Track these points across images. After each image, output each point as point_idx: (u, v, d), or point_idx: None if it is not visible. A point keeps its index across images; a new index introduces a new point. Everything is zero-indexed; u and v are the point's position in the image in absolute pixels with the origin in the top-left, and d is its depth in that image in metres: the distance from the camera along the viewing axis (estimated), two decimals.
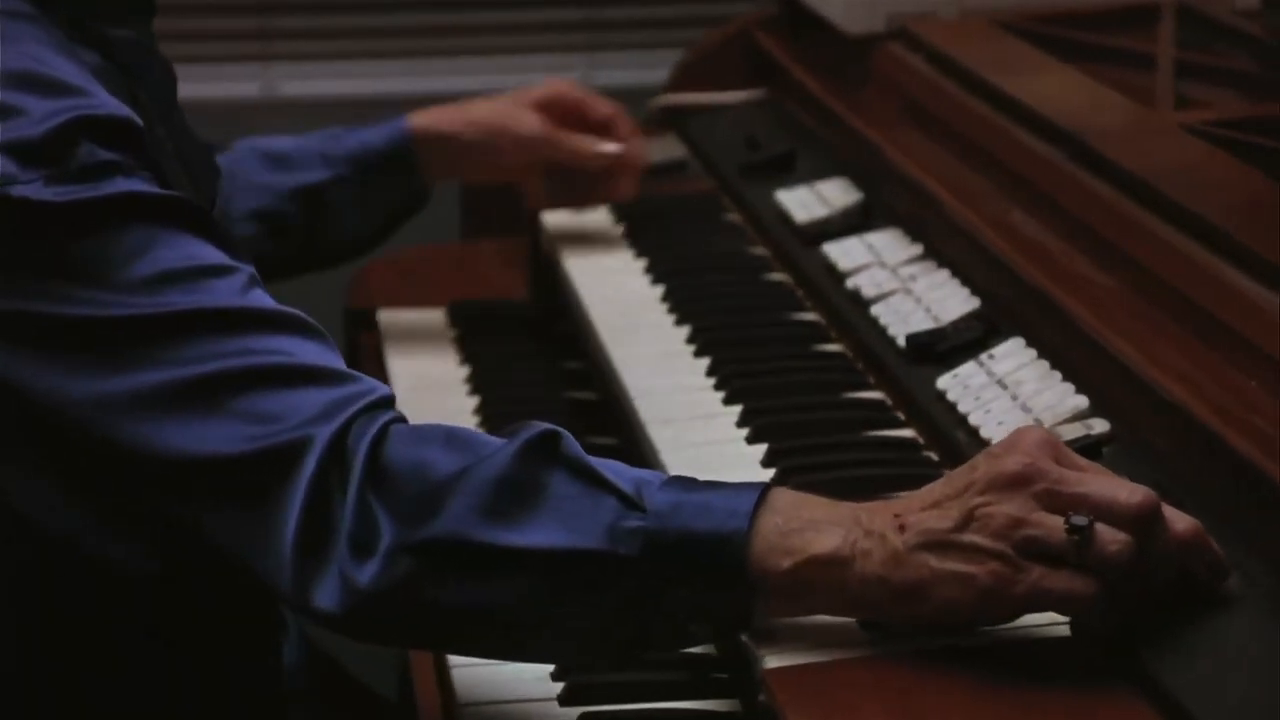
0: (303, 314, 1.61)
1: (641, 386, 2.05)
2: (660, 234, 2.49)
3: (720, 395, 2.02)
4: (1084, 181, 2.01)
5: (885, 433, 1.91)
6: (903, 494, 1.53)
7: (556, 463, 1.50)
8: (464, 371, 2.41)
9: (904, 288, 2.09)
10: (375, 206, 2.47)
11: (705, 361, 2.10)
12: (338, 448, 1.51)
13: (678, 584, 1.47)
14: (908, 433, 1.90)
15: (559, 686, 1.66)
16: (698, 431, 1.95)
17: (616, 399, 2.12)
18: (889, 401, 1.97)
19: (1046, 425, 1.71)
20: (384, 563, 1.48)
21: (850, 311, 2.12)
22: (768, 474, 1.83)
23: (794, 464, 1.83)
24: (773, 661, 1.48)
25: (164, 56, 1.85)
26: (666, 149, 2.77)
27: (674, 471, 1.62)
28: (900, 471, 1.80)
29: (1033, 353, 1.86)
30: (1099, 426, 1.70)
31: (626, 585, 1.47)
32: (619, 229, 2.56)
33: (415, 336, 2.55)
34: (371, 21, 3.52)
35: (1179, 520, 1.44)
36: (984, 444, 1.75)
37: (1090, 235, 1.97)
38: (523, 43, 3.53)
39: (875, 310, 2.08)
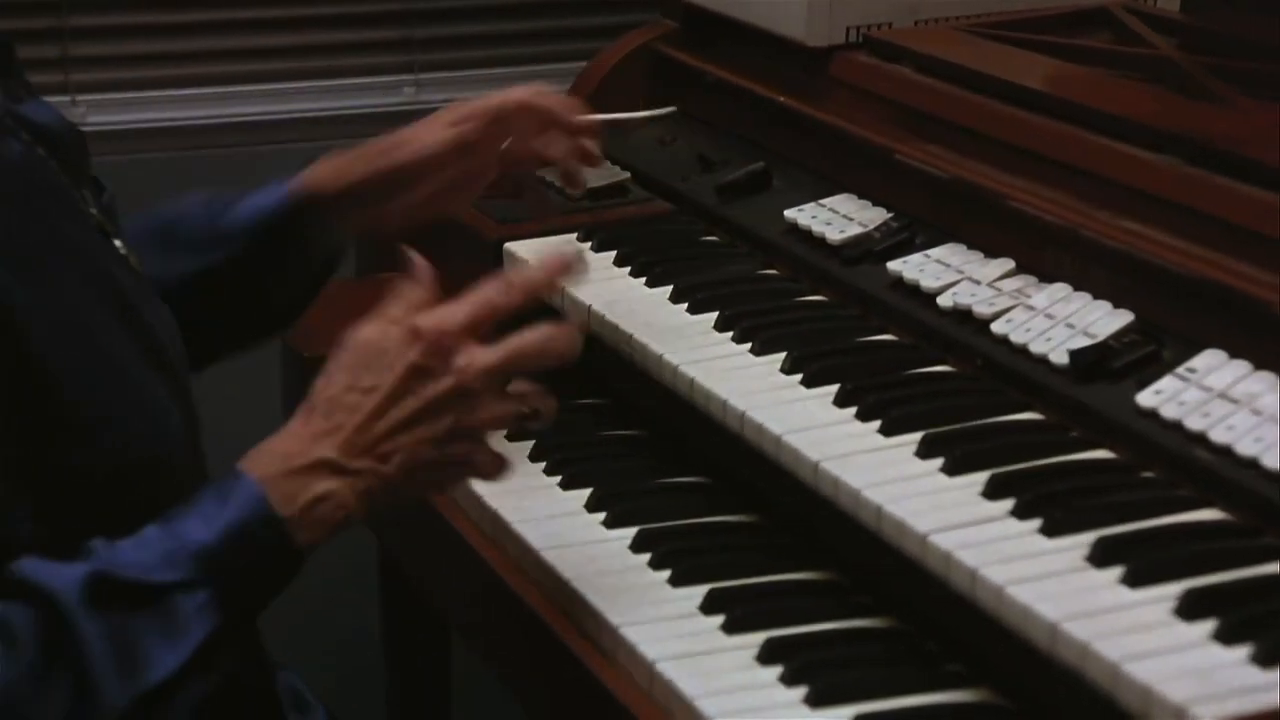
0: None
1: (783, 426, 1.89)
2: (665, 261, 2.32)
3: (875, 426, 1.88)
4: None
5: (1079, 456, 1.80)
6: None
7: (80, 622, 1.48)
8: None
9: (1020, 303, 1.98)
10: (291, 273, 2.18)
11: (828, 391, 1.96)
12: None
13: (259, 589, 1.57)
14: (1103, 453, 1.79)
15: None
16: (887, 470, 1.80)
17: (732, 439, 1.95)
18: (1054, 421, 1.86)
19: None
20: None
21: (958, 331, 2.00)
22: (996, 509, 1.70)
23: (1028, 497, 1.70)
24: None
25: None
26: (601, 171, 2.60)
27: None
28: (1130, 497, 1.70)
29: (1243, 362, 1.77)
30: None
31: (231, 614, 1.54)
32: (606, 256, 2.38)
33: None
34: (184, 46, 3.23)
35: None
36: (1240, 461, 1.66)
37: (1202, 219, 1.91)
38: (345, 65, 3.29)
39: (998, 328, 1.96)
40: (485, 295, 1.71)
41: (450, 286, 2.54)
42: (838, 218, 2.26)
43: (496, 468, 1.71)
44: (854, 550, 1.80)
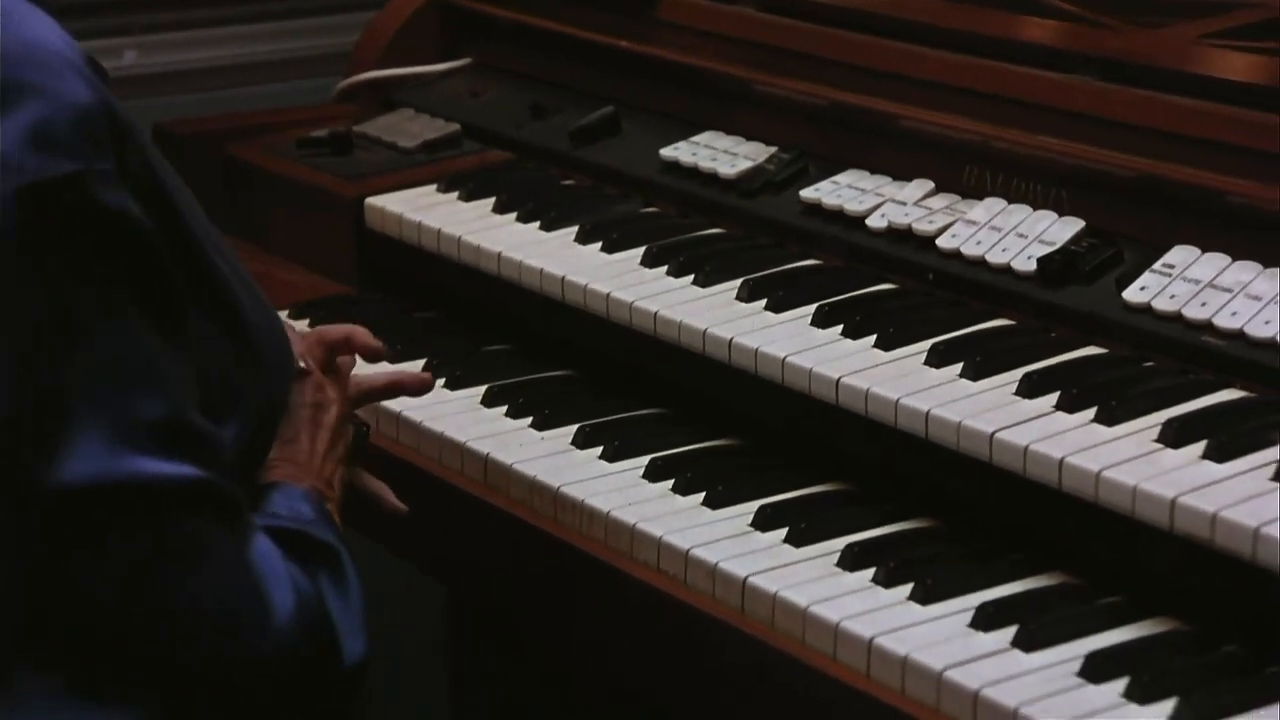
0: None
1: (786, 350, 1.91)
2: (550, 206, 2.29)
3: (871, 341, 1.91)
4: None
5: (1080, 353, 1.87)
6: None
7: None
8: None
9: (959, 219, 2.04)
10: None
11: (802, 313, 1.98)
12: None
13: None
14: (1096, 350, 1.87)
15: None
16: (911, 381, 1.84)
17: (718, 368, 1.97)
18: (1032, 326, 1.93)
19: None
20: None
21: (898, 250, 2.05)
22: (1043, 404, 1.77)
23: (1073, 392, 1.76)
24: None
25: None
26: (429, 125, 2.55)
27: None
28: (1165, 384, 1.78)
29: (1220, 255, 1.87)
30: None
31: None
32: (482, 204, 2.34)
33: None
34: None
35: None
36: (1256, 343, 1.77)
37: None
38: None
39: (945, 243, 2.02)
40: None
41: (316, 246, 2.49)
42: (720, 153, 2.28)
43: None
44: (909, 462, 1.84)
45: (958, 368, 1.84)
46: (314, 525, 1.62)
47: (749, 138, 2.30)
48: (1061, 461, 1.67)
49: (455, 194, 2.38)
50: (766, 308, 2.01)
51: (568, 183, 2.40)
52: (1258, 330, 1.78)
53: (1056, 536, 1.72)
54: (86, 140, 1.39)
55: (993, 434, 1.73)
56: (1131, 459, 1.66)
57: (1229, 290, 1.83)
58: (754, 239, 2.18)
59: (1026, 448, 1.70)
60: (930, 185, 2.11)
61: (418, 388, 1.96)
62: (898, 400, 1.80)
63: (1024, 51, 2.17)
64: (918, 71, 2.20)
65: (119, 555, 1.43)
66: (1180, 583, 1.63)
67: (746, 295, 2.04)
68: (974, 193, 2.07)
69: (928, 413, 1.78)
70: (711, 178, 2.26)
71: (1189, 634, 1.61)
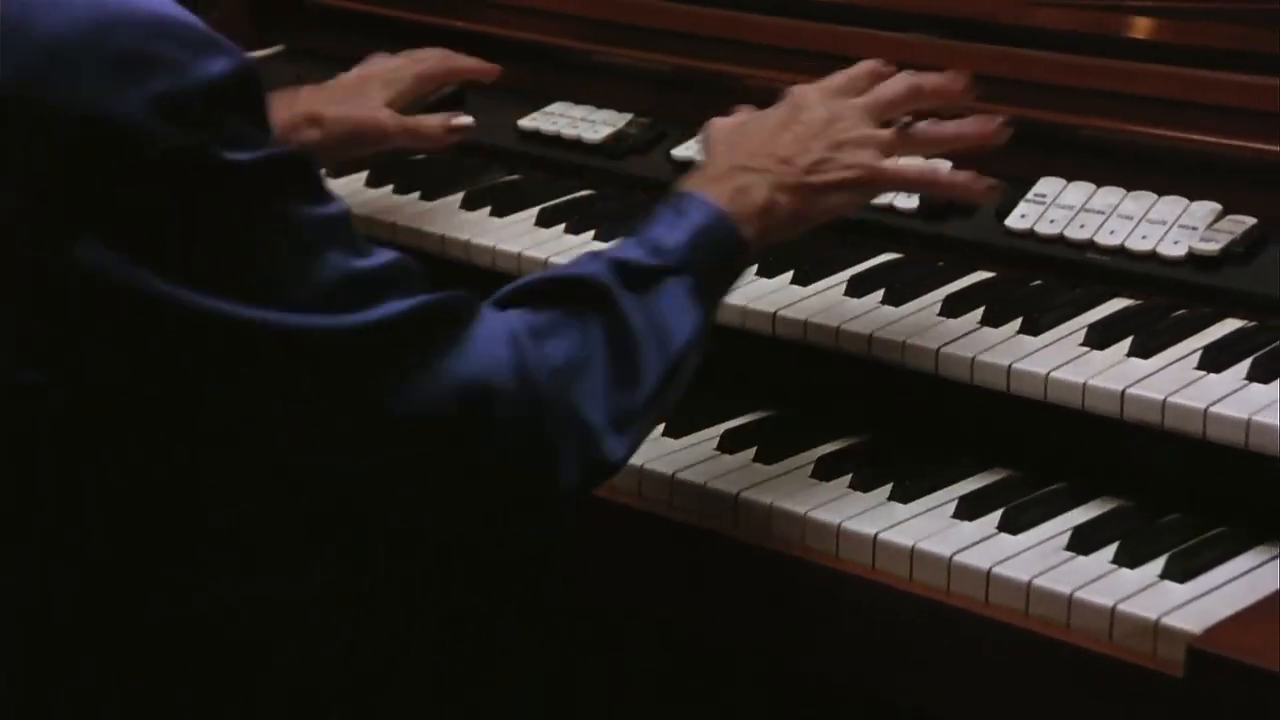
0: None
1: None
2: (420, 179, 2.36)
3: (828, 284, 2.04)
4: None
5: (972, 278, 2.02)
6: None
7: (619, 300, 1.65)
8: None
9: None
10: None
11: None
12: None
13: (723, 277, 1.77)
14: (984, 274, 2.04)
15: None
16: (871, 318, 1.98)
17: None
18: (921, 257, 2.08)
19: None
20: None
21: None
22: (997, 332, 1.91)
23: (1001, 313, 1.93)
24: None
25: None
26: None
27: None
28: (1065, 299, 1.96)
29: (1085, 183, 2.06)
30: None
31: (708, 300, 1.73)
32: (353, 179, 2.39)
33: None
34: None
35: None
36: (1133, 255, 1.96)
37: None
38: None
39: None
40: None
41: None
42: (579, 121, 2.38)
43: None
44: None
45: (877, 295, 1.99)
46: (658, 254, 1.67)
47: (599, 106, 2.41)
48: (1009, 368, 1.84)
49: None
50: None
51: (419, 157, 2.46)
52: (1136, 245, 1.97)
53: (1004, 436, 1.89)
54: (215, 110, 1.41)
55: (938, 350, 1.89)
56: (1070, 361, 1.84)
57: (1102, 212, 2.02)
58: (633, 196, 2.29)
59: (973, 359, 1.86)
60: None
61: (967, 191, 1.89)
62: (839, 327, 1.95)
63: (857, 14, 2.33)
64: (759, 37, 2.34)
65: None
66: (1126, 465, 1.81)
67: None
68: None
69: (870, 335, 1.93)
70: (576, 143, 2.36)
71: (1137, 508, 1.79)
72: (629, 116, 2.37)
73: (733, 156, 1.81)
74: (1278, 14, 2.17)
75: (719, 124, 1.90)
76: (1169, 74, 2.07)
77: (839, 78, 1.91)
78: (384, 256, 1.52)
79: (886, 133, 1.86)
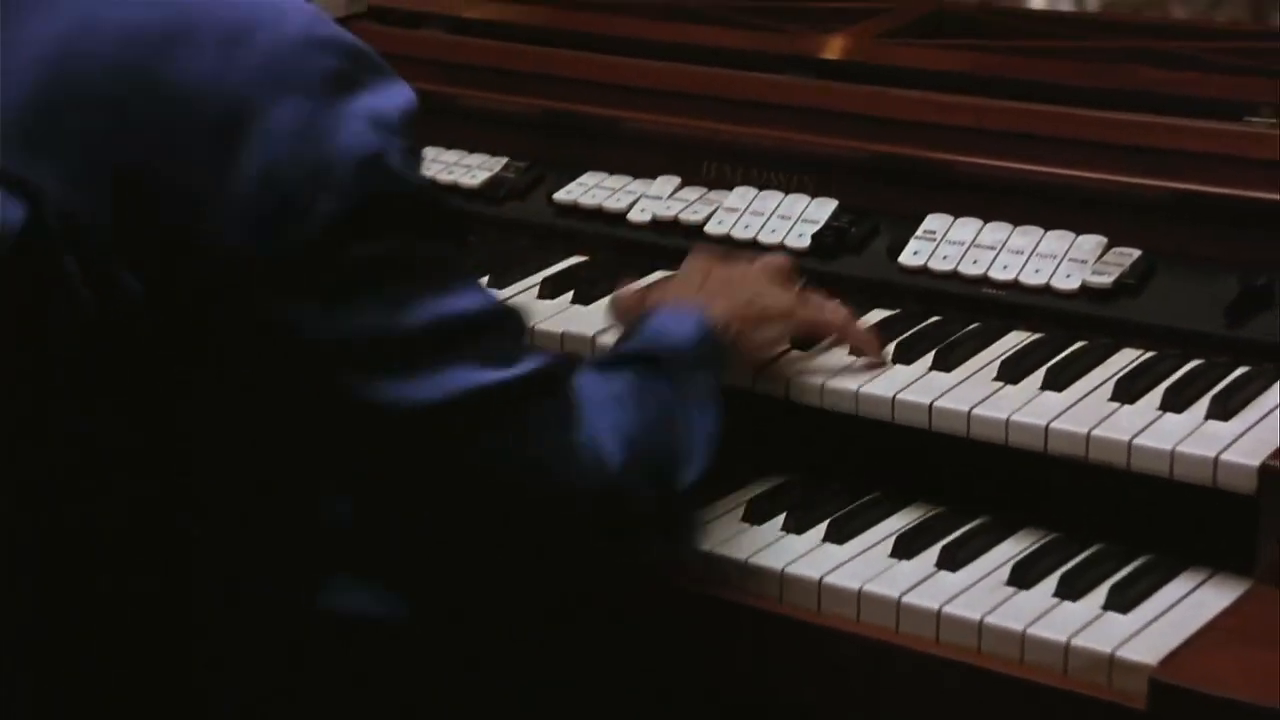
0: None
1: None
2: None
3: None
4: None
5: (876, 314, 2.04)
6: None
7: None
8: None
9: (719, 206, 2.18)
10: None
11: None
12: None
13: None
14: (884, 311, 2.05)
15: None
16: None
17: None
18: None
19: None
20: None
21: (666, 240, 2.18)
22: (910, 369, 1.93)
23: (913, 350, 1.94)
24: None
25: None
26: None
27: None
28: (967, 333, 1.99)
29: (972, 219, 2.08)
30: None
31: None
32: None
33: None
34: None
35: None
36: (1028, 290, 1.99)
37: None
38: None
39: (714, 229, 2.16)
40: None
41: None
42: (452, 165, 2.35)
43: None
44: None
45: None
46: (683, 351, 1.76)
47: (470, 150, 2.38)
48: (931, 407, 1.86)
49: None
50: (574, 300, 2.11)
51: None
52: (1030, 279, 2.01)
53: (926, 472, 1.91)
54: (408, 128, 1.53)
55: (858, 390, 1.90)
56: (989, 397, 1.86)
57: (992, 248, 2.05)
58: (516, 240, 2.27)
59: (894, 398, 1.88)
60: (677, 180, 2.25)
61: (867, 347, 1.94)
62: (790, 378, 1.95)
63: (732, 57, 2.33)
64: (633, 79, 2.33)
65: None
66: (1048, 496, 1.84)
67: (550, 292, 2.13)
68: (718, 185, 2.22)
69: (788, 380, 1.93)
70: (453, 188, 2.33)
71: (1064, 539, 1.82)
72: (503, 160, 2.35)
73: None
74: (1147, 52, 2.24)
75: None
76: (1042, 112, 2.11)
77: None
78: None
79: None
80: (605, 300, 2.05)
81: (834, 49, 2.31)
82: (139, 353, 1.48)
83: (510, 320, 1.62)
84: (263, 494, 1.55)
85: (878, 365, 1.92)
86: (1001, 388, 1.88)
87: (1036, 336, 1.97)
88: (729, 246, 2.14)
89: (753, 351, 1.91)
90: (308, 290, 1.48)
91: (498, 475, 1.57)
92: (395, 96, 1.53)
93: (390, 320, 1.51)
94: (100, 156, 1.44)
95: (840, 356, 1.95)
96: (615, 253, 2.21)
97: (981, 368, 1.91)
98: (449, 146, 2.38)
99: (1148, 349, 1.92)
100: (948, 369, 1.91)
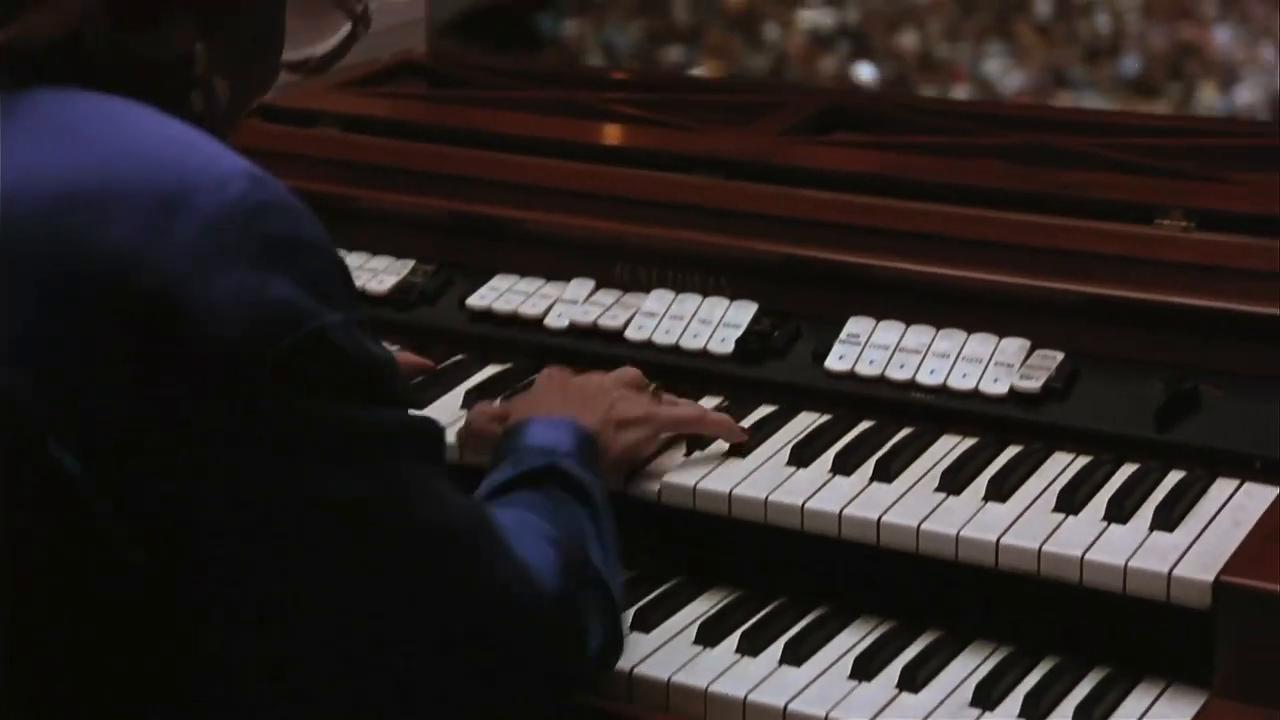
0: None
1: None
2: None
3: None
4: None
5: (807, 419, 2.02)
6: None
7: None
8: None
9: (636, 310, 2.14)
10: None
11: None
12: None
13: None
14: (813, 415, 2.03)
15: None
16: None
17: None
18: (731, 400, 2.07)
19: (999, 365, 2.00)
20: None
21: (583, 345, 2.14)
22: (849, 481, 1.91)
23: (851, 461, 1.93)
24: None
25: None
26: None
27: None
28: (902, 437, 1.98)
29: (895, 322, 2.07)
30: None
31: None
32: None
33: None
34: None
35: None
36: (957, 394, 1.99)
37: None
38: None
39: (634, 335, 2.13)
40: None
41: None
42: (359, 270, 2.28)
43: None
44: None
45: (719, 447, 1.97)
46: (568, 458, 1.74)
47: (374, 253, 2.32)
48: (879, 522, 1.84)
49: None
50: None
51: None
52: (958, 383, 2.00)
53: (875, 587, 1.89)
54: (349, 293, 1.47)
55: (803, 504, 1.87)
56: (934, 510, 1.85)
57: (917, 352, 2.04)
58: (429, 349, 2.21)
59: (840, 514, 1.86)
60: (591, 283, 2.21)
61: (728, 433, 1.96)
62: (695, 485, 1.91)
63: (639, 156, 2.30)
64: (539, 179, 2.29)
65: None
66: (998, 609, 1.84)
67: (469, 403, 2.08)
68: (633, 287, 2.19)
69: (730, 493, 1.90)
70: (360, 294, 2.25)
71: (1017, 653, 1.80)
72: (410, 263, 2.29)
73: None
74: (1054, 150, 2.25)
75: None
76: (954, 214, 2.11)
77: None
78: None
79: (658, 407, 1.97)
80: None
81: (740, 147, 2.29)
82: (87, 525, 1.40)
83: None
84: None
85: (740, 441, 1.96)
86: (945, 499, 1.87)
87: (970, 442, 1.97)
88: (651, 353, 2.12)
89: (622, 456, 1.90)
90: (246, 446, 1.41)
91: (444, 619, 1.53)
92: (333, 261, 1.45)
93: (321, 490, 1.44)
94: (32, 334, 1.37)
95: (778, 471, 1.93)
96: (533, 360, 2.17)
97: (921, 477, 1.90)
98: (351, 249, 2.31)
99: (1080, 453, 1.93)
100: (888, 479, 1.90)
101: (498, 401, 2.00)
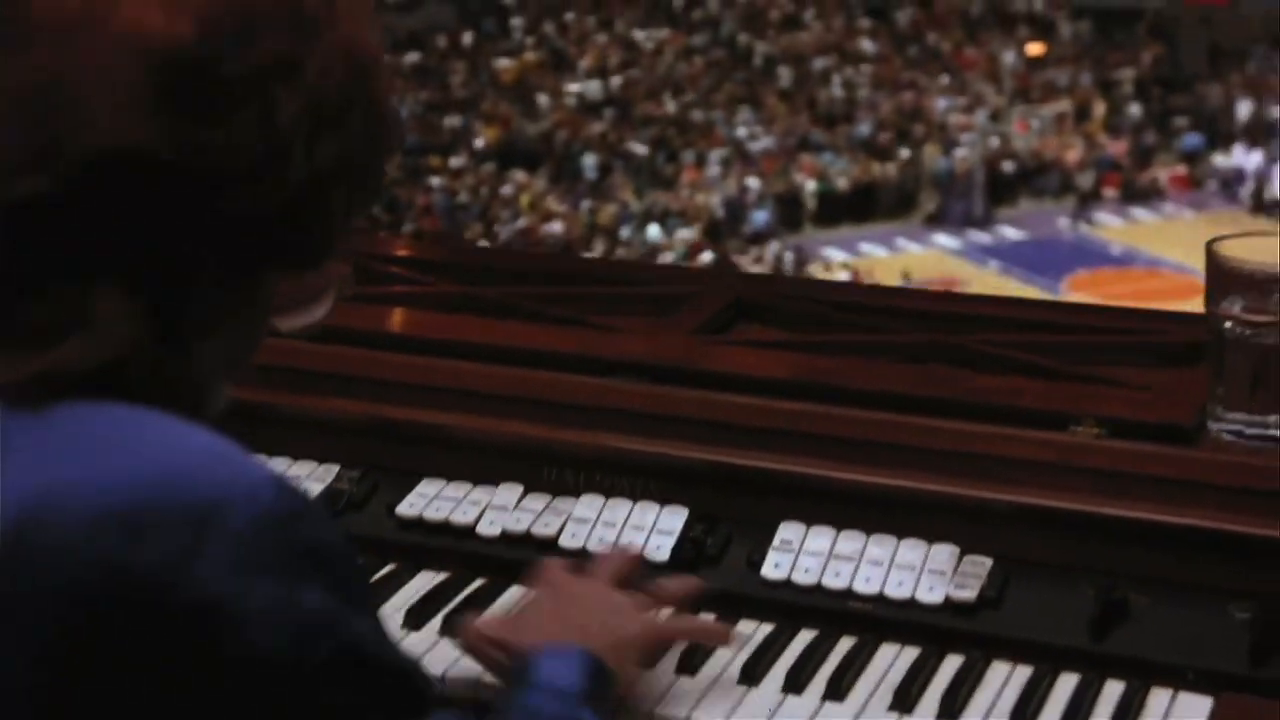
0: None
1: None
2: None
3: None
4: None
5: (747, 629, 2.03)
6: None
7: None
8: None
9: (568, 516, 2.14)
10: None
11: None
12: None
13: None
14: (751, 623, 2.04)
15: None
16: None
17: None
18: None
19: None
20: None
21: (515, 553, 2.12)
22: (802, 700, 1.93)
23: (801, 678, 1.94)
24: None
25: None
26: None
27: None
28: (842, 650, 2.00)
29: (825, 528, 2.09)
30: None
31: None
32: None
33: None
34: None
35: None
36: (894, 603, 2.02)
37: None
38: None
39: (568, 542, 2.12)
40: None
41: None
42: None
43: None
44: None
45: (669, 662, 1.97)
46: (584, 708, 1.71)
47: (295, 459, 2.27)
48: None
49: None
50: (440, 632, 2.04)
51: None
52: (894, 592, 2.03)
53: None
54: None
55: None
56: None
57: (851, 559, 2.07)
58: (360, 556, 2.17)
59: None
60: (520, 488, 2.20)
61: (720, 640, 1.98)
62: (652, 712, 1.91)
63: (560, 360, 2.29)
64: (462, 383, 2.26)
65: None
66: None
67: (414, 623, 2.05)
68: (562, 491, 2.18)
69: (687, 717, 1.90)
70: None
71: None
72: (335, 469, 2.25)
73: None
74: (963, 351, 2.29)
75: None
76: (872, 420, 2.14)
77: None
78: None
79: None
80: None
81: (656, 350, 2.30)
82: None
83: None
84: None
85: (727, 644, 1.97)
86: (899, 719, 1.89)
87: (913, 652, 1.99)
88: (585, 560, 2.11)
89: (629, 686, 1.89)
90: None
91: None
92: (354, 562, 1.44)
93: None
94: (62, 649, 1.32)
95: (729, 690, 1.93)
96: (469, 570, 2.15)
97: (872, 693, 1.93)
98: (271, 455, 2.27)
99: (1019, 662, 1.97)
100: (839, 698, 1.92)
101: (487, 613, 1.96)
